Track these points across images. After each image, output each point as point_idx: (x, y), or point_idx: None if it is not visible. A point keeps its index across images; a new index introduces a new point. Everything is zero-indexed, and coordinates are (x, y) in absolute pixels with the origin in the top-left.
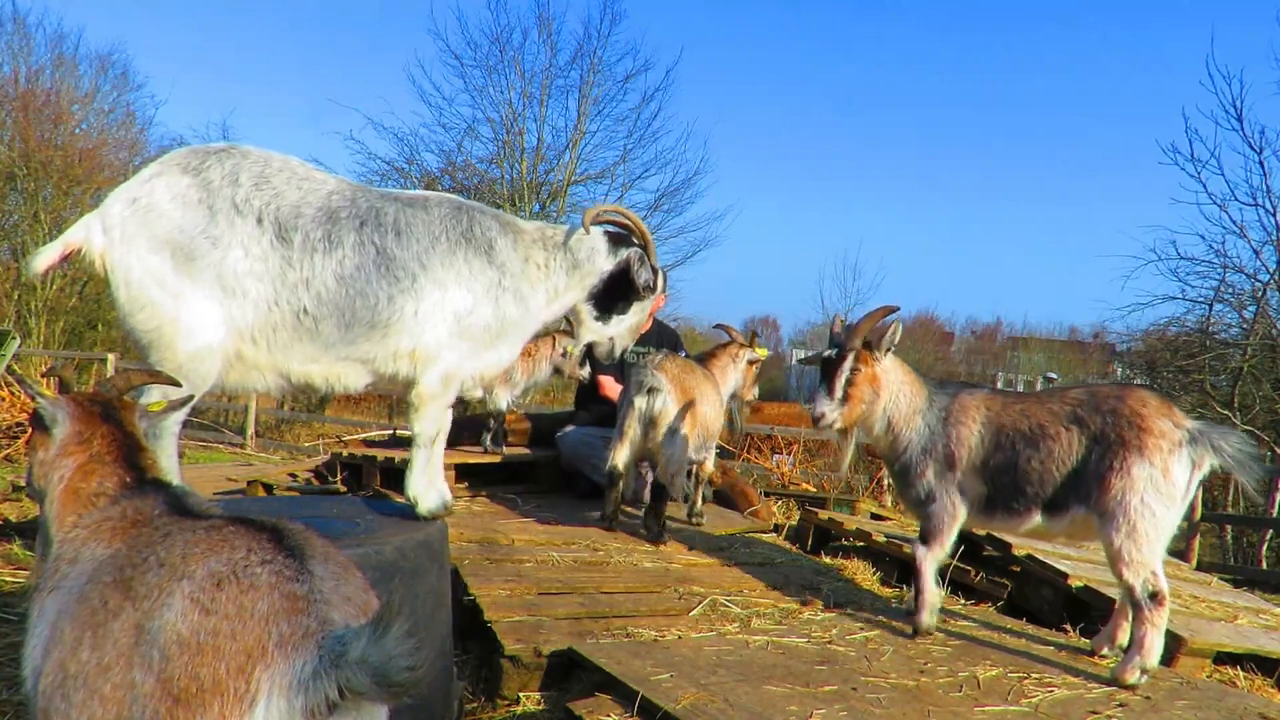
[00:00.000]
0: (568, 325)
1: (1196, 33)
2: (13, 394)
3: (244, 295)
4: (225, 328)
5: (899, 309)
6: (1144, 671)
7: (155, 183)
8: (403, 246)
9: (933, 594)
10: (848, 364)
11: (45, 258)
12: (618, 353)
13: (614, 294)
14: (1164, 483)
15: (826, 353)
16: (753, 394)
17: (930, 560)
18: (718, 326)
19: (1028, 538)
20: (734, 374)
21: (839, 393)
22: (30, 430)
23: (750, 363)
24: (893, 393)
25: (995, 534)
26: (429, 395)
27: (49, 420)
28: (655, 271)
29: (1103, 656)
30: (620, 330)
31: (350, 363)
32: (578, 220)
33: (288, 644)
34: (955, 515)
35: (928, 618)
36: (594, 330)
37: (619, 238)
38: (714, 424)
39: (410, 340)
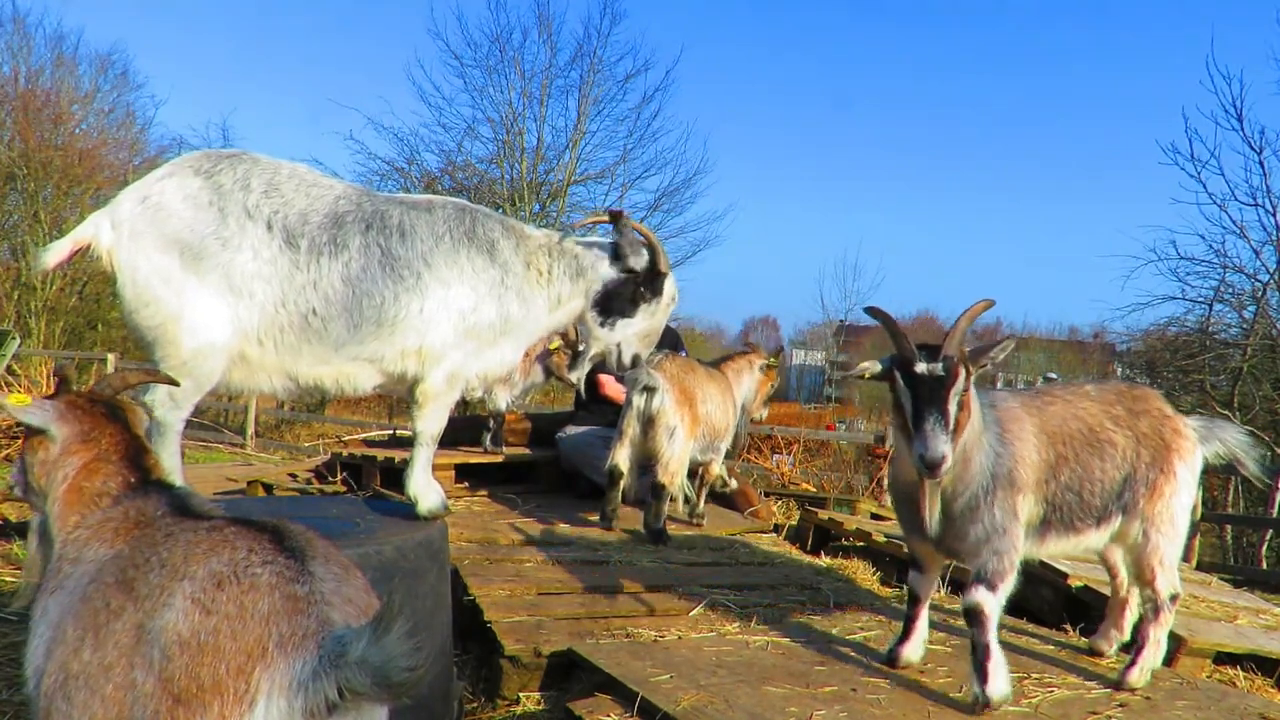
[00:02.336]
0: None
1: (1196, 33)
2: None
3: (250, 297)
4: (230, 327)
5: (994, 302)
6: (1150, 672)
7: (167, 183)
8: (407, 246)
9: (1000, 654)
10: (960, 384)
11: (55, 254)
12: (626, 359)
13: (616, 299)
14: (1192, 483)
15: (924, 367)
16: (761, 413)
17: (999, 610)
18: (747, 343)
19: (1075, 557)
20: (748, 380)
21: (953, 422)
22: (27, 433)
23: (765, 371)
24: (973, 414)
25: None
26: (433, 393)
27: (41, 426)
28: (659, 277)
29: (1106, 657)
30: (626, 336)
31: (360, 362)
32: (579, 220)
33: (288, 644)
34: (1020, 547)
35: (1006, 685)
36: (600, 338)
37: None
38: (720, 423)
39: (416, 338)
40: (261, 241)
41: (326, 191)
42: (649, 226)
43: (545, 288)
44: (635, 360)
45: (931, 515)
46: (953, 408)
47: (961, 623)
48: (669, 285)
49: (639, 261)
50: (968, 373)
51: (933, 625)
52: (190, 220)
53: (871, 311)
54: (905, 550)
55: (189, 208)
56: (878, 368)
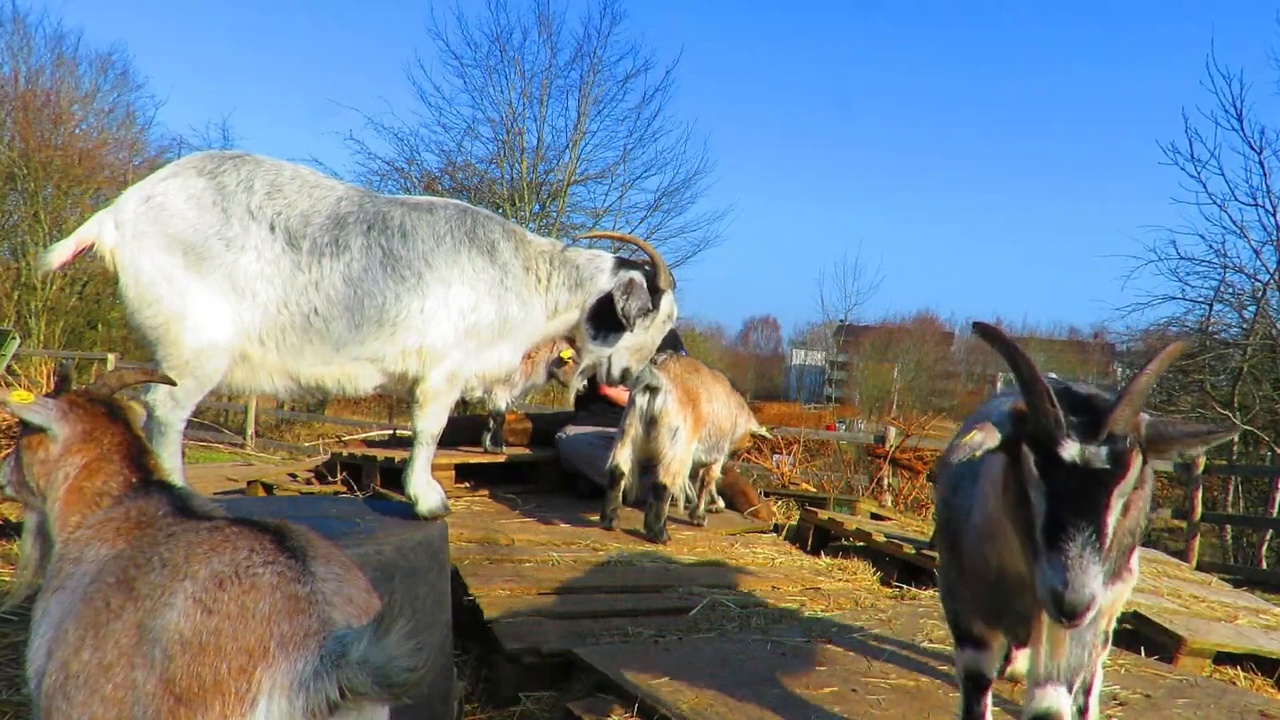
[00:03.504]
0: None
1: (1196, 33)
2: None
3: (253, 297)
4: (233, 327)
5: (1192, 346)
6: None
7: (171, 183)
8: (408, 247)
9: None
10: (1131, 479)
11: (59, 254)
12: (616, 373)
13: (608, 313)
14: None
15: (1077, 451)
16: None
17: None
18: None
19: None
20: (741, 421)
21: (1110, 540)
22: (24, 431)
23: (754, 435)
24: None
25: None
26: (434, 393)
27: (44, 424)
28: (656, 293)
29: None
30: (618, 349)
31: (361, 363)
32: (578, 220)
33: (289, 644)
34: None
35: None
36: (591, 350)
37: (628, 261)
38: (725, 422)
39: (417, 337)
40: (264, 242)
41: (329, 193)
42: (649, 226)
43: (544, 294)
44: (625, 374)
45: (1056, 654)
46: (1114, 518)
47: None
48: (665, 302)
49: (641, 304)
50: (1144, 461)
51: (934, 624)
52: (194, 220)
53: (985, 333)
54: (905, 549)
55: (193, 208)
56: (994, 439)
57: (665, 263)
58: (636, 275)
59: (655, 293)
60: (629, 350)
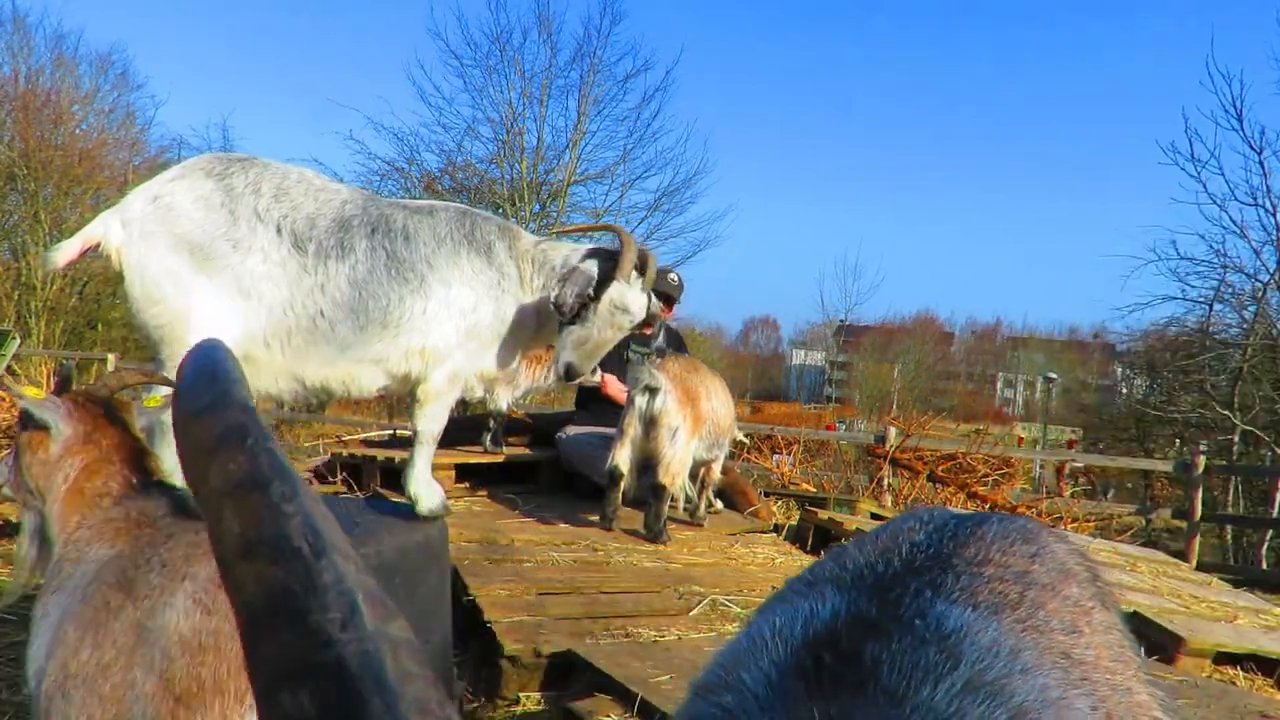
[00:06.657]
0: None
1: (1197, 33)
2: (13, 395)
3: (259, 299)
4: (238, 329)
5: None
6: None
7: (178, 184)
8: (411, 249)
9: None
10: None
11: (64, 253)
12: (560, 367)
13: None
14: None
15: None
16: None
17: None
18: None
19: None
20: (731, 426)
21: None
22: (23, 430)
23: (738, 445)
24: None
25: None
26: (435, 393)
27: (51, 422)
28: (606, 282)
29: None
30: (562, 339)
31: (365, 364)
32: (579, 220)
33: None
34: None
35: None
36: (567, 349)
37: (602, 252)
38: (724, 419)
39: (420, 338)
40: (271, 244)
41: (333, 196)
42: (649, 226)
43: (531, 294)
44: (569, 370)
45: None
46: None
47: None
48: (614, 291)
49: (575, 290)
50: None
51: None
52: (201, 221)
53: None
54: None
55: (200, 209)
56: None
57: (634, 253)
58: (588, 264)
59: (605, 282)
60: (573, 343)
